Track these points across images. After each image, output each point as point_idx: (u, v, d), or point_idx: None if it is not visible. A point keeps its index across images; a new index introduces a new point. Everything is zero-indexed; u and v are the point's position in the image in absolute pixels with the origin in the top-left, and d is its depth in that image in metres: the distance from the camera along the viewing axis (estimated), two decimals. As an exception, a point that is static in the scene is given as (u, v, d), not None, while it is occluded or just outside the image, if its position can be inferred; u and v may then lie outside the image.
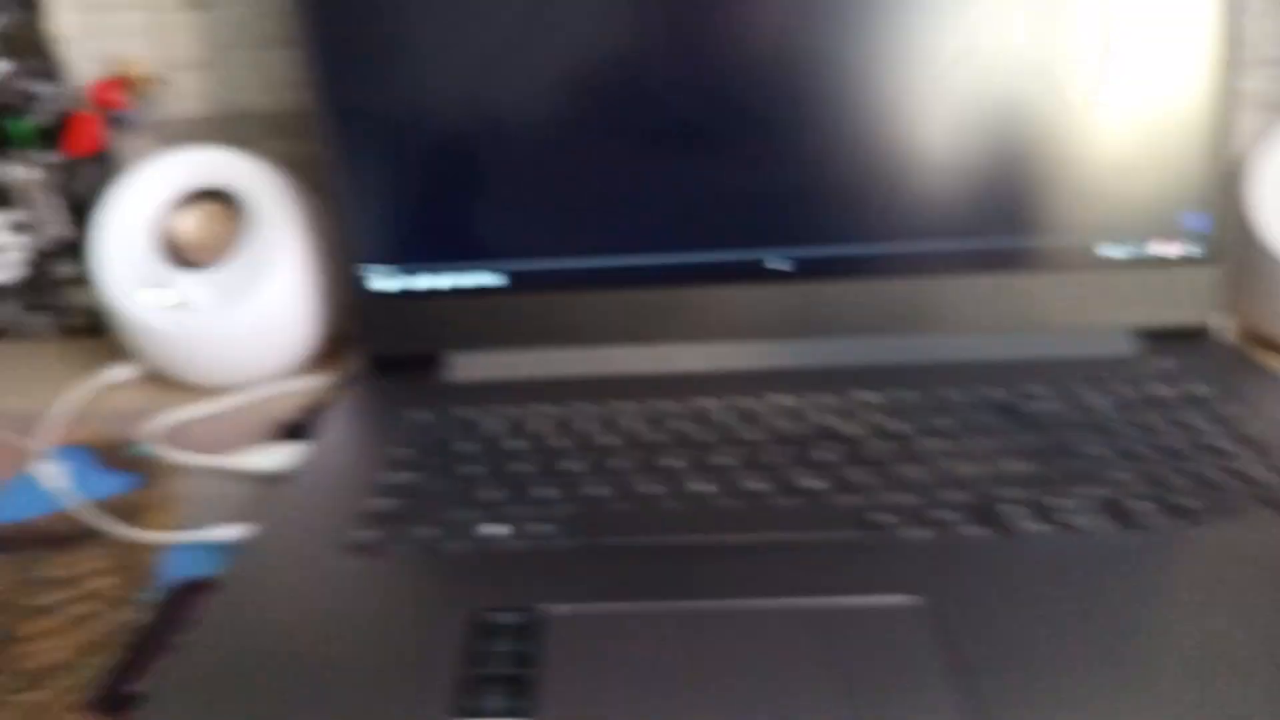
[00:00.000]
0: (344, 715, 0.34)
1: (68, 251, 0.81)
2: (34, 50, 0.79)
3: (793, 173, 0.59)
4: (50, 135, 0.83)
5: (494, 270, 0.62)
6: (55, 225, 0.76)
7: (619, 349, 0.62)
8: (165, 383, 0.68)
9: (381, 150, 0.60)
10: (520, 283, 0.62)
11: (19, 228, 0.76)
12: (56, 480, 0.56)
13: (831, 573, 0.41)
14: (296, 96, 0.81)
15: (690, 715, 0.34)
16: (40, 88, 0.83)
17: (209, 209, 0.66)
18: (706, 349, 0.62)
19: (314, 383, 0.66)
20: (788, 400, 0.56)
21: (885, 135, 0.58)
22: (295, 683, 0.36)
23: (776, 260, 0.61)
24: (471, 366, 0.62)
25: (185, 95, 0.84)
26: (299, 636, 0.38)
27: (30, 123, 0.81)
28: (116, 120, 0.84)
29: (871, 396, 0.56)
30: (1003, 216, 0.60)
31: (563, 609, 0.40)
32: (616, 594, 0.41)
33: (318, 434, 0.55)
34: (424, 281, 0.62)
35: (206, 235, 0.65)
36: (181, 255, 0.65)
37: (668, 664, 0.36)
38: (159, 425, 0.62)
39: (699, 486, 0.48)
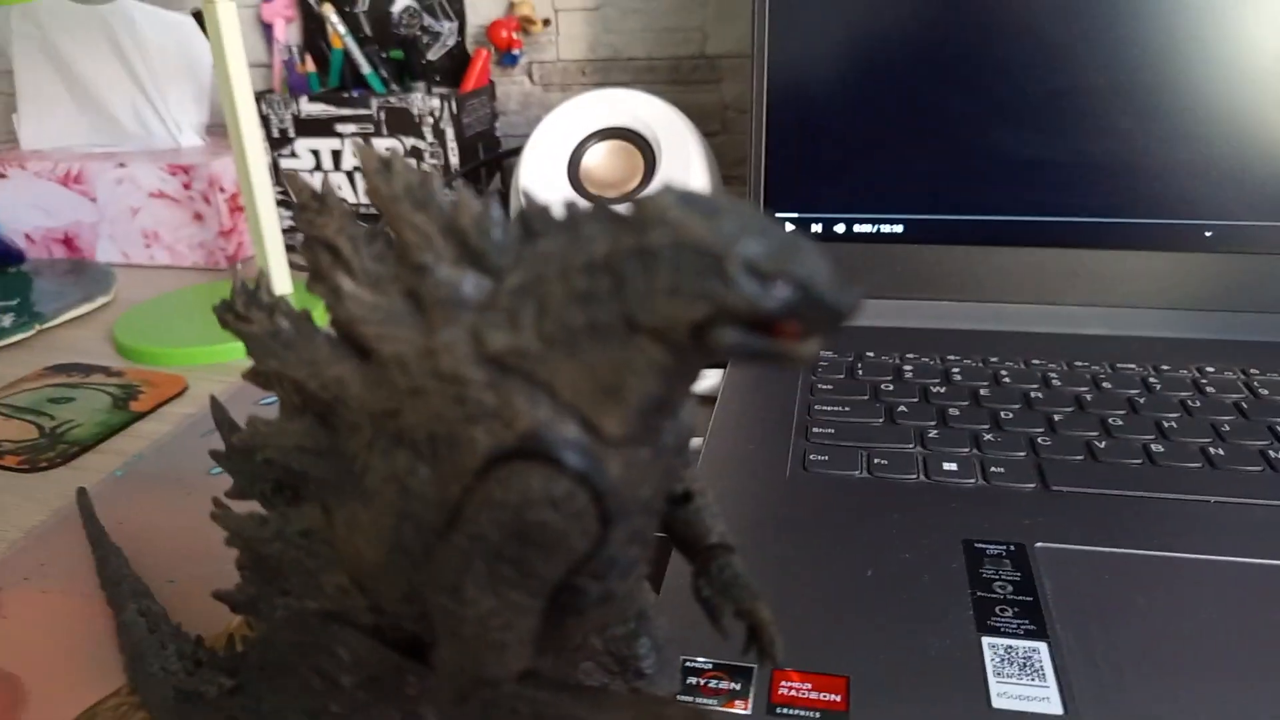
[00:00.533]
0: (889, 621, 0.37)
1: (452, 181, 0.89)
2: (451, -5, 0.87)
3: (1216, 139, 0.57)
4: (445, 70, 0.91)
5: (893, 220, 0.63)
6: (446, 154, 0.83)
7: (1015, 306, 0.62)
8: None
9: (800, 102, 0.62)
10: (920, 231, 0.63)
11: (413, 154, 0.84)
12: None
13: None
14: (676, 44, 0.85)
15: (1194, 652, 0.34)
16: (439, 25, 0.91)
17: (620, 147, 0.71)
18: (1107, 315, 0.61)
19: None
20: (1225, 370, 0.54)
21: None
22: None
23: (1201, 228, 0.59)
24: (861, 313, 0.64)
25: (568, 38, 0.90)
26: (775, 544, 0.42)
27: (400, 54, 0.89)
28: (503, 59, 0.91)
29: (1311, 373, 0.54)
30: None
31: (1049, 546, 0.41)
32: (1090, 537, 0.41)
33: (731, 365, 0.59)
34: (825, 227, 0.64)
35: (616, 172, 0.70)
36: (592, 189, 0.71)
37: (1157, 604, 0.37)
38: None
39: (1151, 444, 0.47)
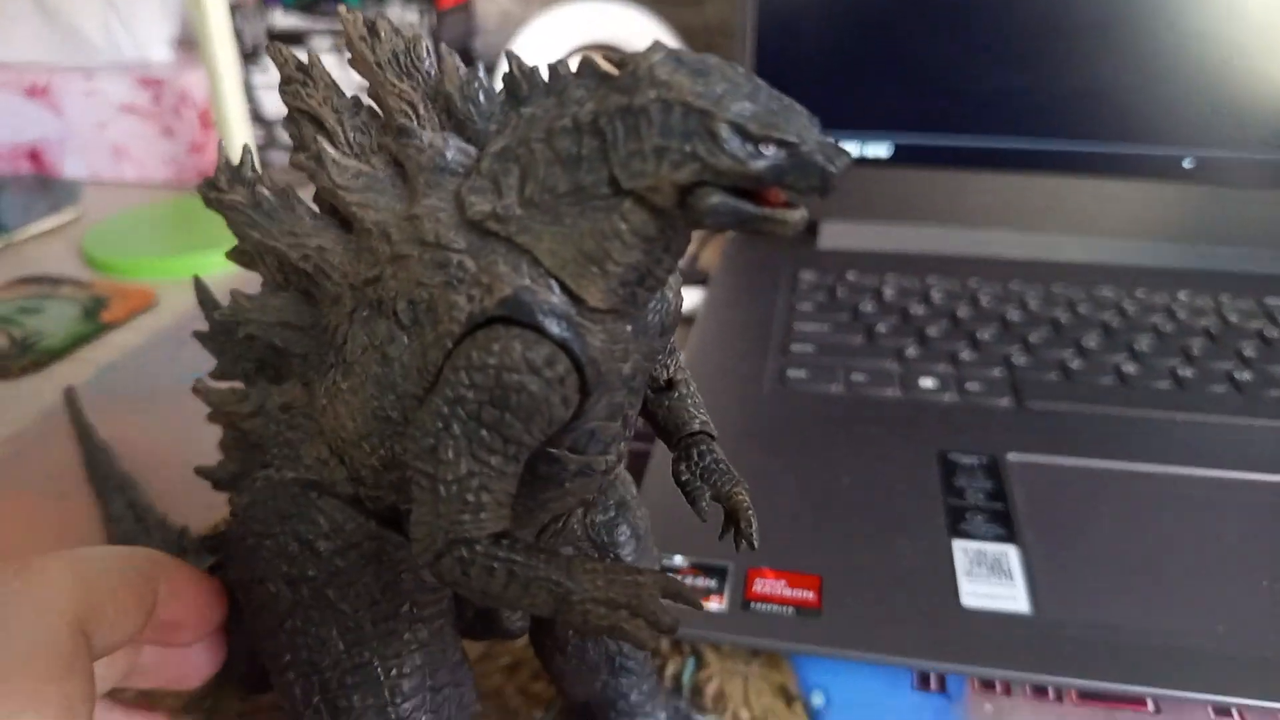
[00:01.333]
0: (862, 525, 0.38)
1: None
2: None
3: (1198, 71, 0.57)
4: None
5: (880, 140, 0.62)
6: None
7: (997, 232, 0.62)
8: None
9: (789, 24, 0.61)
10: (905, 155, 0.62)
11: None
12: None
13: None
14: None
15: (1156, 559, 0.35)
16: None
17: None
18: (1087, 242, 0.61)
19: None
20: (1197, 297, 0.55)
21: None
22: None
23: (1180, 158, 0.59)
24: (840, 236, 0.64)
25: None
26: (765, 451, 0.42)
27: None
28: (483, -21, 0.89)
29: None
30: None
31: (1019, 457, 0.41)
32: (1061, 450, 0.42)
33: (711, 284, 0.59)
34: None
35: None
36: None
37: (1123, 513, 0.38)
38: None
39: (1123, 365, 0.48)
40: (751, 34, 0.61)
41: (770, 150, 0.17)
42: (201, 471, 0.27)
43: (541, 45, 0.71)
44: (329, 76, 0.22)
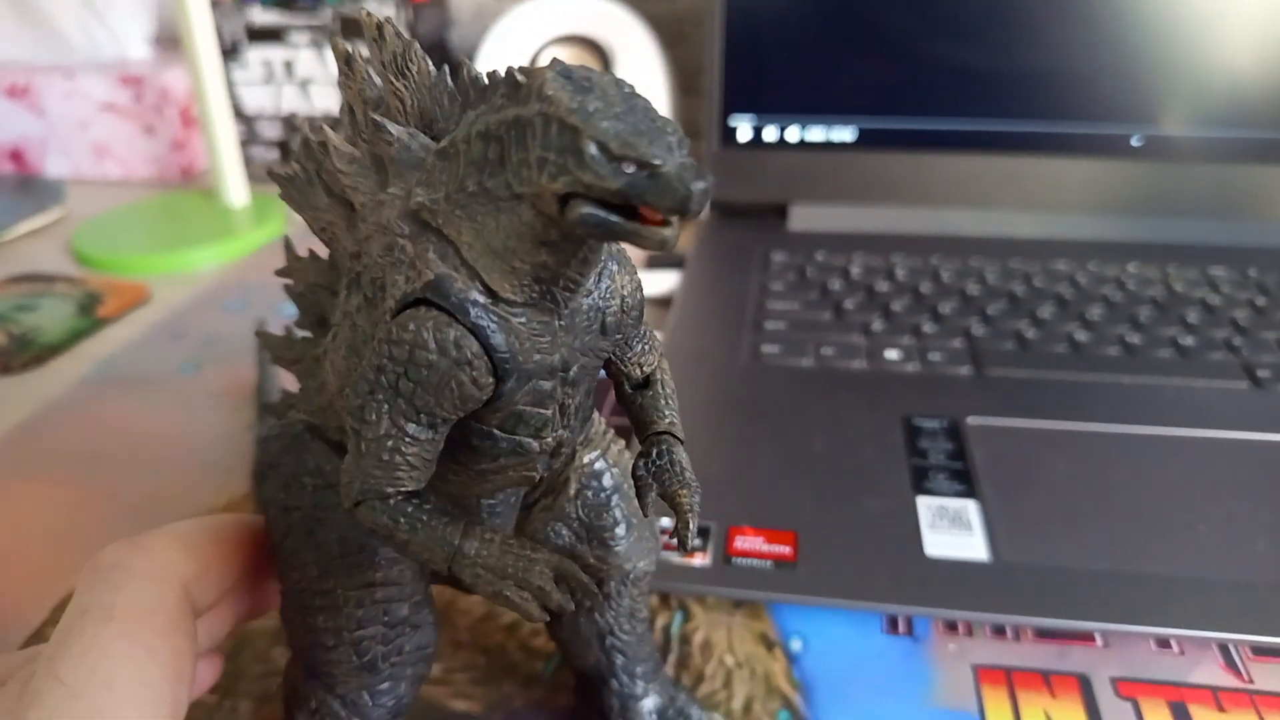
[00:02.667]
0: (833, 486, 0.41)
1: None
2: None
3: (1146, 51, 0.60)
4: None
5: (846, 125, 0.65)
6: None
7: (957, 211, 0.65)
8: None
9: (757, 12, 0.63)
10: (868, 139, 0.65)
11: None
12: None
13: (1218, 412, 0.45)
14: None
15: (1103, 508, 0.38)
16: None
17: (576, 56, 0.72)
18: (1041, 218, 0.64)
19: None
20: (1145, 268, 0.58)
21: (1247, 27, 0.58)
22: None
23: (1128, 136, 0.63)
24: (809, 218, 0.66)
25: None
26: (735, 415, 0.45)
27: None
28: (457, -27, 0.90)
29: (1222, 271, 0.58)
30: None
31: (977, 420, 0.44)
32: (1017, 412, 0.45)
33: (687, 266, 0.61)
34: (780, 133, 0.66)
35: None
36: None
37: (1074, 468, 0.41)
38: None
39: (1075, 333, 0.51)
40: (719, 23, 0.64)
41: (630, 169, 0.18)
42: (266, 407, 0.30)
43: (515, 39, 0.73)
44: (365, 70, 0.24)
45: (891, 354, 0.50)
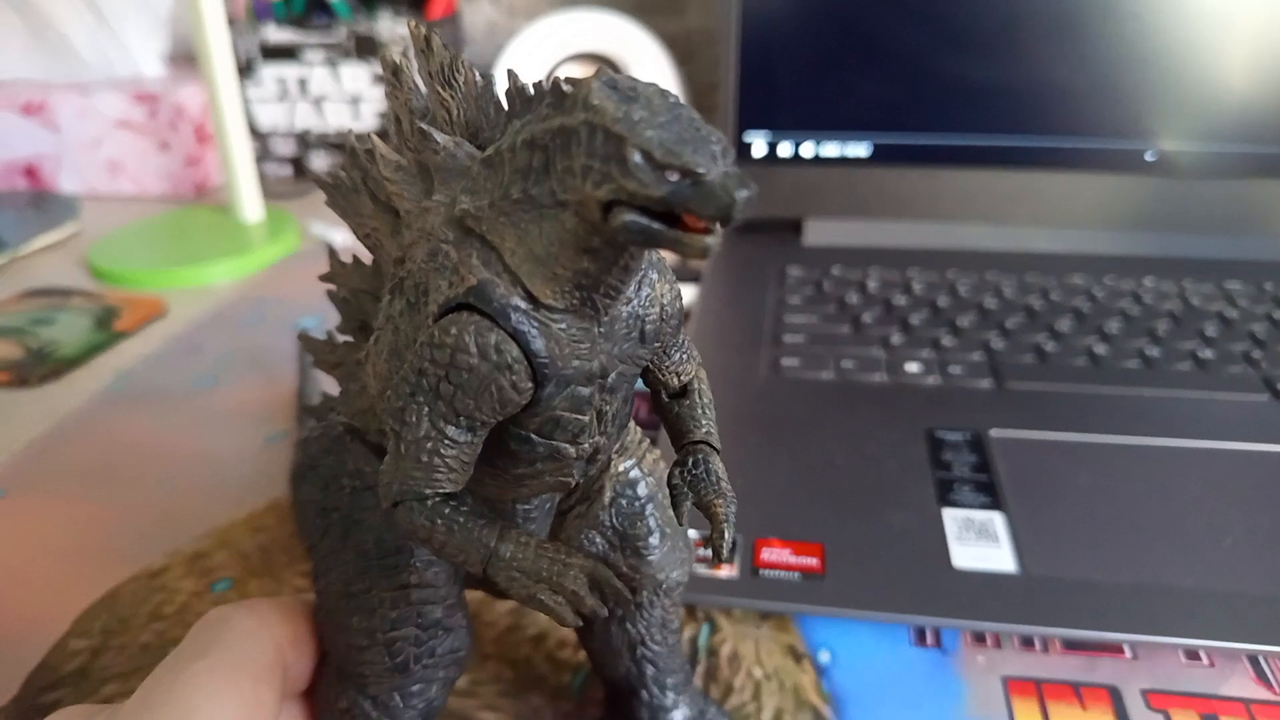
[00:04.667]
0: (858, 498, 0.40)
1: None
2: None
3: (1158, 67, 0.61)
4: None
5: (860, 140, 0.65)
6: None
7: (972, 226, 0.65)
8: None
9: (772, 29, 0.64)
10: (883, 155, 0.65)
11: (379, 79, 0.84)
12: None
13: (1239, 424, 0.44)
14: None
15: (1128, 520, 0.38)
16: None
17: (590, 72, 0.72)
18: (1056, 233, 0.64)
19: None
20: (1161, 283, 0.58)
21: (1258, 42, 0.59)
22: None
23: (1142, 152, 0.63)
24: (825, 233, 0.67)
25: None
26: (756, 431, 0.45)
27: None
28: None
29: (1238, 285, 0.58)
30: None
31: (1000, 433, 0.44)
32: (1039, 425, 0.45)
33: (704, 281, 0.61)
34: (794, 149, 0.66)
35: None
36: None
37: (1098, 481, 0.41)
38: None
39: (1094, 347, 0.51)
40: (735, 40, 0.64)
41: (674, 177, 0.18)
42: (307, 409, 0.30)
43: (530, 56, 0.73)
44: (412, 81, 0.24)
45: (912, 367, 0.50)
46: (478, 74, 0.24)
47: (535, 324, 0.21)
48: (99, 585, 0.39)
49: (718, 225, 0.18)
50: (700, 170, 0.18)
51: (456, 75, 0.24)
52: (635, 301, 0.22)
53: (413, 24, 0.25)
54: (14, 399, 0.53)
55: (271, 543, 0.41)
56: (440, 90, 0.24)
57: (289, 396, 0.52)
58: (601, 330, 0.22)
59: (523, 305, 0.21)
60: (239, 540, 0.41)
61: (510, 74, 0.23)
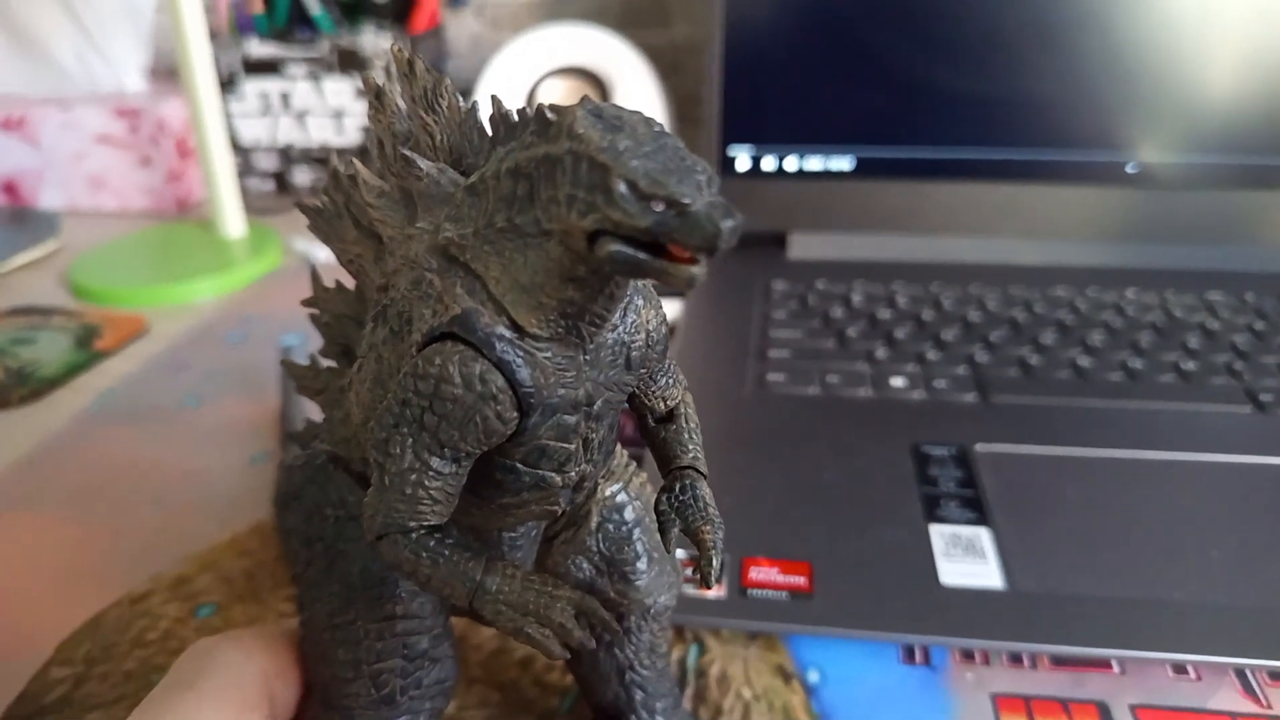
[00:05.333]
0: (845, 515, 0.40)
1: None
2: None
3: (1139, 80, 0.61)
4: (394, 11, 0.91)
5: (844, 154, 0.66)
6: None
7: (955, 239, 0.65)
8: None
9: (756, 43, 0.64)
10: (866, 168, 0.66)
11: (362, 94, 0.84)
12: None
13: (1223, 436, 0.45)
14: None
15: (1115, 534, 0.38)
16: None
17: (575, 87, 0.72)
18: (1039, 245, 0.65)
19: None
20: (1144, 294, 0.59)
21: (1238, 54, 0.59)
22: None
23: (1123, 164, 0.63)
24: (809, 247, 0.67)
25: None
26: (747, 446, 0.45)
27: None
28: (452, 0, 0.91)
29: (1220, 296, 0.58)
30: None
31: (986, 448, 0.44)
32: (1024, 439, 0.45)
33: (688, 296, 0.61)
34: (778, 163, 0.67)
35: (571, 112, 0.72)
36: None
37: (1084, 494, 0.41)
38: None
39: (1078, 359, 0.52)
40: (719, 54, 0.64)
41: (659, 207, 0.18)
42: (291, 435, 0.30)
43: (514, 71, 0.73)
44: (395, 104, 0.24)
45: (897, 382, 0.50)
46: (461, 99, 0.24)
47: (520, 353, 0.21)
48: (81, 609, 0.38)
49: (704, 255, 0.18)
50: (685, 201, 0.18)
51: (440, 100, 0.24)
52: (621, 328, 0.22)
53: (396, 47, 0.24)
54: (-7, 421, 0.53)
55: (256, 566, 0.40)
56: (423, 115, 0.24)
57: (273, 416, 0.52)
58: (587, 358, 0.22)
59: (507, 334, 0.21)
60: (223, 564, 0.41)
61: (494, 100, 0.23)
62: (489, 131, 0.23)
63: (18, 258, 0.74)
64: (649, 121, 0.19)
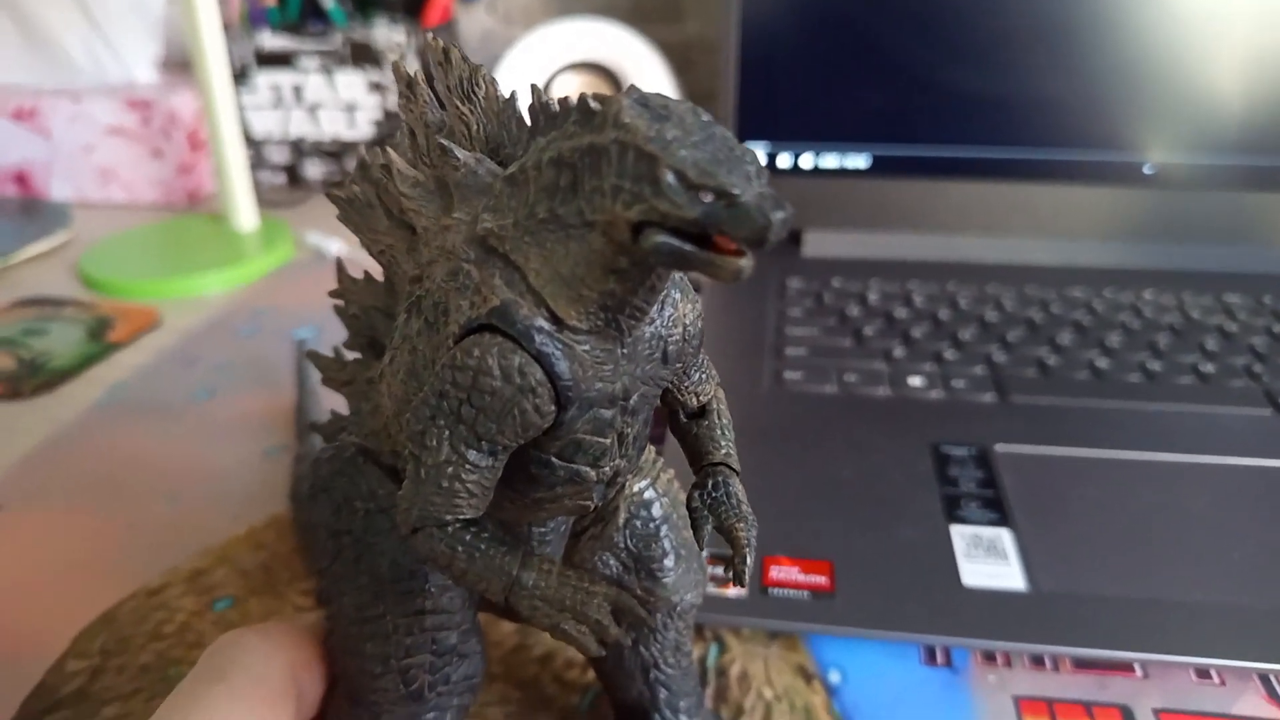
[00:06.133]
0: (866, 514, 0.40)
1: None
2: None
3: (1156, 80, 0.61)
4: (406, 4, 0.90)
5: (859, 152, 0.65)
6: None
7: (971, 238, 0.65)
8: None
9: (771, 40, 0.64)
10: (882, 166, 0.65)
11: (375, 87, 0.83)
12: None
13: (1243, 439, 0.45)
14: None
15: (1136, 536, 0.38)
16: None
17: (589, 83, 0.72)
18: (1056, 245, 0.64)
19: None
20: (1161, 295, 0.58)
21: (1257, 55, 0.59)
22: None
23: (1140, 164, 0.63)
24: (824, 244, 0.67)
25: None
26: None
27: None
28: (465, -2, 0.91)
29: (1237, 298, 0.58)
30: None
31: (1006, 448, 0.44)
32: (1044, 440, 0.45)
33: (703, 292, 0.61)
34: (794, 160, 0.66)
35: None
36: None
37: (1104, 496, 0.41)
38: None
39: (1096, 360, 0.51)
40: (735, 51, 0.64)
41: (708, 198, 0.17)
42: (315, 427, 0.30)
43: (528, 65, 0.73)
44: (428, 94, 0.24)
45: (915, 380, 0.50)
46: (499, 88, 0.23)
47: (559, 346, 0.20)
48: (97, 602, 0.38)
49: (752, 248, 0.18)
50: (735, 191, 0.17)
51: (476, 89, 0.24)
52: (658, 322, 0.22)
53: (431, 36, 0.24)
54: (6, 412, 0.52)
55: (272, 559, 0.40)
56: (459, 104, 0.23)
57: (287, 409, 0.51)
58: (625, 351, 0.21)
59: (546, 327, 0.20)
60: (239, 557, 0.40)
61: (534, 89, 0.23)
62: (528, 121, 0.23)
63: (29, 249, 0.73)
64: (696, 110, 0.19)
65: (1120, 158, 0.63)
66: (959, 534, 0.39)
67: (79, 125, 0.82)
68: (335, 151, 0.85)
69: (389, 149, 0.24)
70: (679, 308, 0.23)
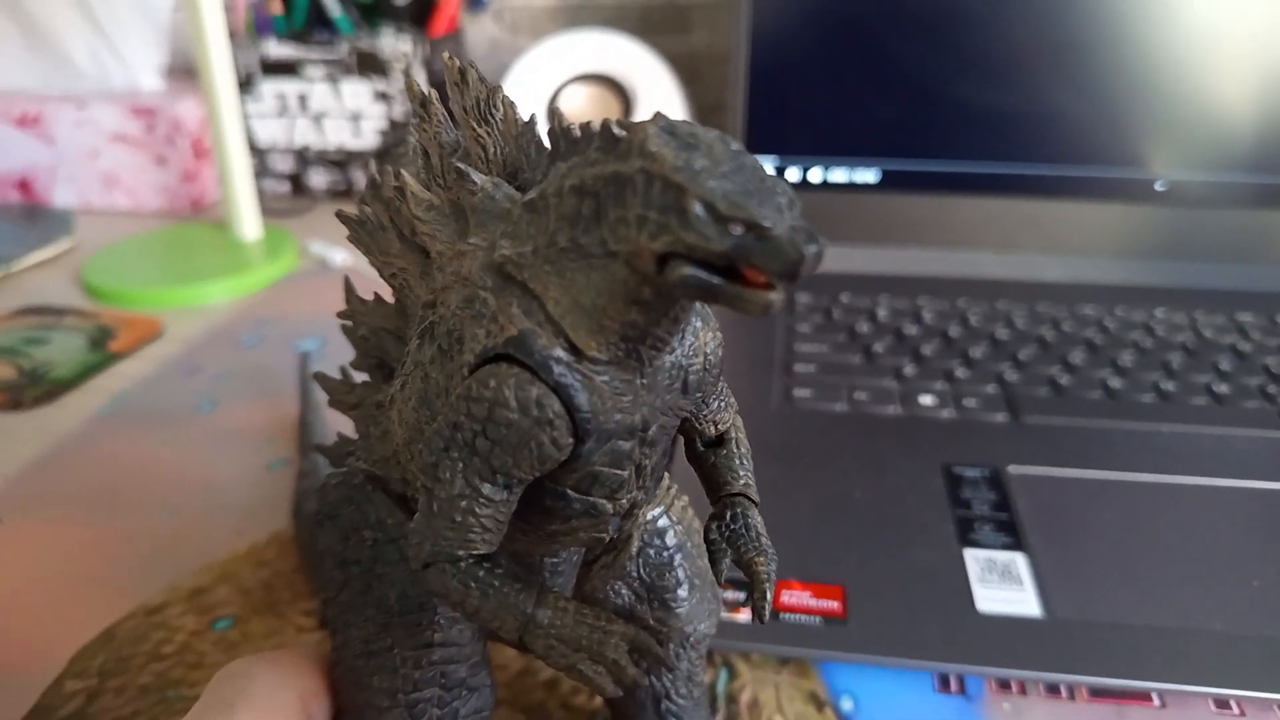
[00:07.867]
0: (878, 536, 0.40)
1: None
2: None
3: (1168, 97, 0.60)
4: (413, 14, 0.90)
5: (869, 166, 0.65)
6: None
7: (981, 254, 0.65)
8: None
9: (781, 52, 0.63)
10: (892, 181, 0.65)
11: (380, 96, 0.83)
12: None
13: (1260, 462, 0.44)
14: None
15: (1153, 561, 0.38)
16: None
17: (597, 94, 0.71)
18: (1066, 262, 0.64)
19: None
20: (1173, 314, 0.58)
21: (1270, 73, 0.59)
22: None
23: (1152, 181, 0.63)
24: (832, 259, 0.66)
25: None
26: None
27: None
28: (471, 3, 0.91)
29: (1250, 317, 0.57)
30: None
31: (1019, 469, 0.44)
32: (1057, 461, 0.44)
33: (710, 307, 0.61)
34: (803, 174, 0.66)
35: (592, 117, 0.71)
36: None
37: (1120, 520, 0.40)
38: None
39: (1109, 380, 0.51)
40: (744, 64, 0.64)
41: (738, 230, 0.17)
42: (320, 449, 0.30)
43: (536, 77, 0.73)
44: (442, 114, 0.24)
45: (926, 399, 0.49)
46: (518, 111, 0.23)
47: (578, 377, 0.20)
48: (96, 616, 0.38)
49: (783, 282, 0.17)
50: (767, 224, 0.17)
51: (494, 111, 0.23)
52: (679, 351, 0.21)
53: (447, 55, 0.24)
54: (7, 422, 0.52)
55: (274, 578, 0.40)
56: (475, 126, 0.23)
57: (290, 421, 0.51)
58: (644, 382, 0.21)
59: (565, 357, 0.20)
60: (240, 574, 0.40)
61: (554, 113, 0.22)
62: (548, 146, 0.22)
63: (31, 256, 0.73)
64: (725, 139, 0.18)
65: (1132, 174, 0.62)
66: (973, 558, 0.38)
67: (83, 131, 0.82)
68: (340, 160, 0.85)
69: (402, 170, 0.24)
70: (700, 336, 0.22)
